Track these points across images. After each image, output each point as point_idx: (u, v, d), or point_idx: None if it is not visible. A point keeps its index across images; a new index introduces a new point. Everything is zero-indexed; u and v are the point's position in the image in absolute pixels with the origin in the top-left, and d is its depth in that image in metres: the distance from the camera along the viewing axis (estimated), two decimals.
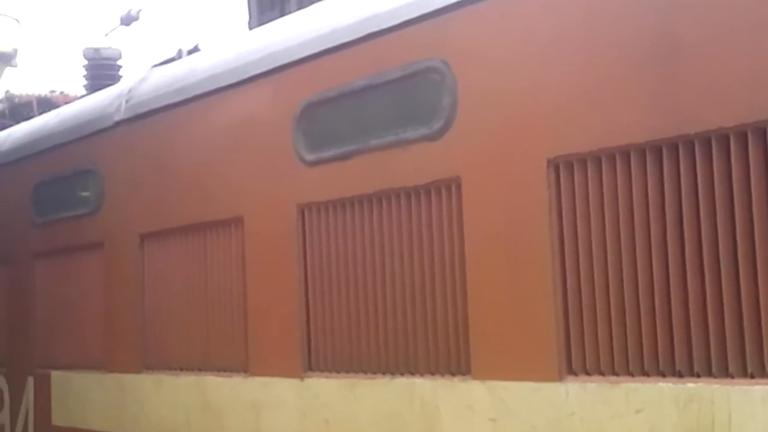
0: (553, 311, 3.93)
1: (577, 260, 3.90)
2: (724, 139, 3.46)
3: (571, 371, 3.89)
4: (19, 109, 11.72)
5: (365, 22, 4.88)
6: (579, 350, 3.88)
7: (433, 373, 4.47)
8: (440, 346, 4.45)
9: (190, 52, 6.77)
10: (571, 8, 3.96)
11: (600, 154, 3.81)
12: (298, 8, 6.35)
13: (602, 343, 3.81)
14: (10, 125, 9.54)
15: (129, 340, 6.49)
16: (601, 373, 3.81)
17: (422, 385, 4.47)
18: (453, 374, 4.37)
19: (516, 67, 4.17)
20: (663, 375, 3.62)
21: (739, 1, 3.42)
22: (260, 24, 6.61)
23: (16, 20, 13.83)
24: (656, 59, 3.63)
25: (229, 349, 5.68)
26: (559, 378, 3.90)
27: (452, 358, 4.39)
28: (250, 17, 7.06)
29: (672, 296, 3.61)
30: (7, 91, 12.70)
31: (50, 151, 7.52)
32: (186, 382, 5.94)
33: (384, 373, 4.70)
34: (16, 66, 12.89)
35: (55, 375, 7.24)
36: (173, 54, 6.88)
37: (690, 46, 3.53)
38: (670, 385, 3.55)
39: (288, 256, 5.25)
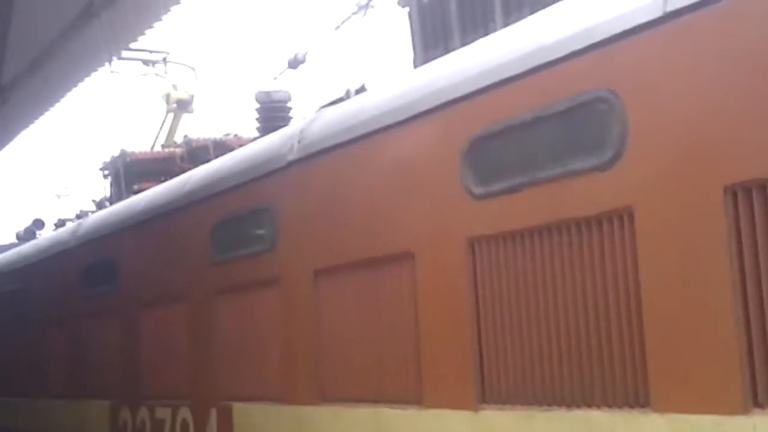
0: (736, 341, 3.83)
1: (760, 289, 3.79)
2: None
3: (758, 404, 3.78)
4: (196, 153, 12.24)
5: (530, 55, 4.91)
6: (765, 382, 3.76)
7: (610, 405, 4.41)
8: (617, 377, 4.40)
9: (357, 92, 6.95)
10: (745, 31, 3.88)
11: None
12: (462, 44, 6.42)
13: None
14: (190, 168, 9.98)
15: (306, 372, 6.66)
16: None
17: (600, 417, 4.42)
18: (631, 406, 4.31)
19: (687, 94, 4.11)
20: None
21: None
22: (425, 61, 6.71)
23: (192, 68, 14.48)
24: None
25: (403, 381, 5.76)
26: (745, 411, 3.79)
27: (630, 390, 4.33)
28: (414, 55, 7.19)
29: None
30: (185, 136, 13.30)
31: (227, 192, 7.84)
32: (362, 414, 6.05)
33: (560, 405, 4.67)
34: (192, 112, 13.47)
35: (237, 407, 7.50)
36: (341, 94, 7.08)
37: None
38: None
39: (459, 289, 5.30)
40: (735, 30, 3.92)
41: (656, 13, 4.23)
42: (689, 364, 4.05)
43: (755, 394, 3.79)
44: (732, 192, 3.88)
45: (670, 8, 4.18)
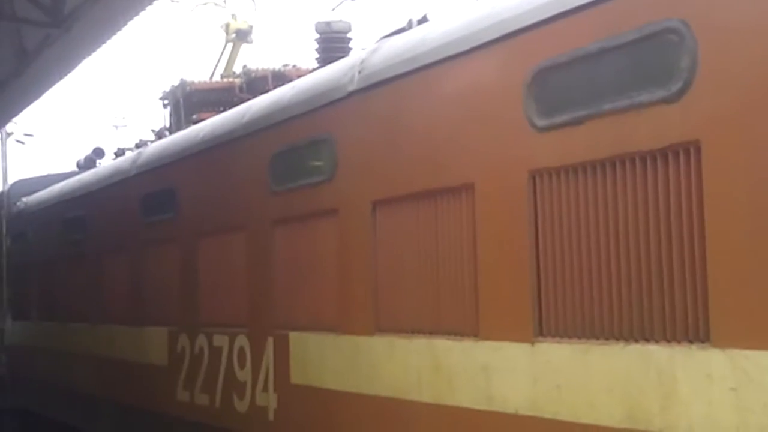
0: None
1: None
2: None
3: None
4: (255, 84, 12.27)
5: None
6: None
7: (669, 340, 4.39)
8: (677, 312, 4.36)
9: (419, 23, 6.88)
10: None
11: None
12: None
13: None
14: (248, 99, 10.00)
15: (363, 303, 6.71)
16: None
17: (658, 352, 4.40)
18: (691, 341, 4.28)
19: (760, 26, 4.00)
20: None
21: None
22: None
23: None
24: None
25: (459, 313, 5.78)
26: None
27: (690, 325, 4.30)
28: None
29: None
30: (244, 66, 13.30)
31: (286, 122, 7.85)
32: (418, 345, 6.09)
33: (618, 339, 4.65)
34: (251, 42, 13.48)
35: (294, 336, 7.59)
36: (403, 25, 7.01)
37: None
38: None
39: (519, 222, 5.28)
40: None
41: None
42: (751, 300, 4.00)
43: None
44: None
45: None
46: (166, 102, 14.66)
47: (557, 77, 5.09)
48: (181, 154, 10.02)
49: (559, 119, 5.01)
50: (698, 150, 4.24)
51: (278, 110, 8.07)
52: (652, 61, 4.54)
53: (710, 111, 4.20)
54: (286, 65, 12.68)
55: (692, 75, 4.26)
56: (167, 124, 14.65)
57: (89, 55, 12.76)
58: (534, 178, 5.19)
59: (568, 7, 5.01)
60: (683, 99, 4.30)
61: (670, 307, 4.39)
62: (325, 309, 7.23)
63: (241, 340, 8.44)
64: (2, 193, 18.77)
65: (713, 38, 4.20)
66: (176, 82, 14.24)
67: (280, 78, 11.73)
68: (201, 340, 9.30)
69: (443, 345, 5.87)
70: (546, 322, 5.12)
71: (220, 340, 8.86)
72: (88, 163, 16.26)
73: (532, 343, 5.15)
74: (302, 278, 7.59)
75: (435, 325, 6.01)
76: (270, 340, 7.93)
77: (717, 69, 4.17)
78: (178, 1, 14.93)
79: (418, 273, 6.20)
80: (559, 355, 4.97)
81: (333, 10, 13.27)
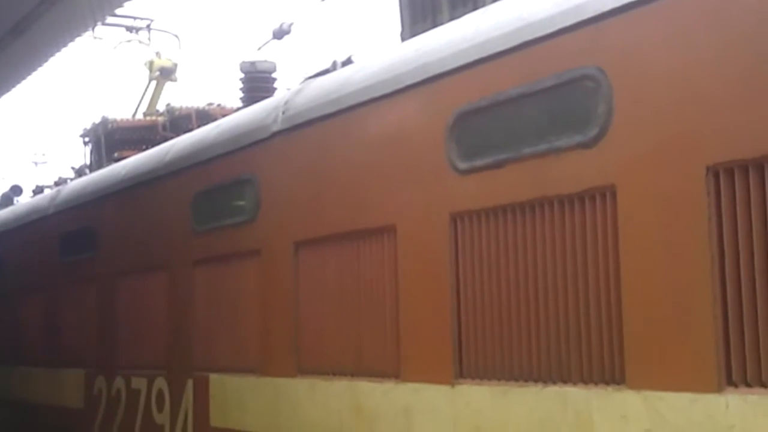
0: (712, 320, 3.86)
1: (738, 269, 3.81)
2: None
3: (731, 382, 3.81)
4: (179, 122, 12.19)
5: (519, 31, 4.90)
6: (739, 361, 3.79)
7: (586, 382, 4.44)
8: (594, 354, 4.42)
9: (344, 64, 6.92)
10: (732, 12, 3.88)
11: (762, 161, 3.72)
12: (450, 19, 6.40)
13: (764, 354, 3.71)
14: (171, 137, 9.93)
15: (284, 344, 6.66)
16: (763, 385, 3.71)
17: (576, 393, 4.45)
18: (607, 383, 4.34)
19: (673, 74, 4.12)
20: None
21: None
22: (412, 35, 6.68)
23: (176, 36, 14.38)
24: None
25: (381, 354, 5.77)
26: (719, 389, 3.82)
27: (606, 367, 4.36)
28: (402, 28, 7.15)
29: None
30: (168, 105, 13.22)
31: (210, 161, 7.81)
32: (339, 387, 6.07)
33: (536, 381, 4.69)
34: (176, 80, 13.40)
35: (214, 378, 7.50)
36: (327, 66, 7.05)
37: None
38: None
39: (440, 264, 5.31)
40: (723, 12, 3.92)
41: None
42: (665, 342, 4.07)
43: (729, 373, 3.82)
44: (714, 172, 3.90)
45: None
46: (86, 139, 14.46)
47: (478, 121, 5.16)
48: (101, 192, 9.88)
49: (480, 162, 5.08)
50: (614, 194, 4.32)
51: (202, 149, 8.02)
52: (570, 106, 4.63)
53: (625, 156, 4.30)
54: (210, 104, 12.63)
55: (608, 121, 4.36)
56: (88, 162, 14.45)
57: (8, 90, 12.54)
58: (455, 221, 5.24)
59: (490, 52, 5.09)
60: (599, 144, 4.40)
61: (587, 349, 4.45)
62: (246, 350, 7.16)
63: (160, 383, 8.31)
64: None
65: (628, 86, 4.30)
66: (98, 120, 14.08)
67: (204, 117, 11.68)
68: (119, 383, 9.13)
69: (365, 387, 5.85)
70: (466, 364, 5.15)
71: (139, 383, 8.71)
72: (5, 200, 15.93)
73: (453, 385, 5.16)
74: (224, 319, 7.52)
75: (357, 367, 5.99)
76: (189, 383, 7.82)
77: (631, 115, 4.28)
78: (101, 38, 14.76)
79: (340, 314, 6.19)
80: (478, 397, 5.00)
81: (258, 49, 13.26)
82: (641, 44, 4.27)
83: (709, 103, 3.95)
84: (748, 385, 3.76)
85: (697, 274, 3.93)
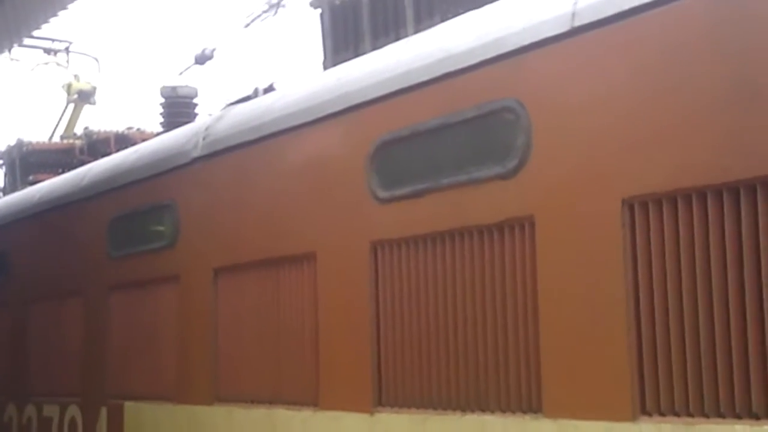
0: (627, 350, 3.93)
1: (652, 300, 3.90)
2: None
3: (645, 411, 3.88)
4: (96, 146, 12.00)
5: (440, 62, 4.96)
6: (653, 390, 3.87)
7: (504, 411, 4.48)
8: (511, 383, 4.46)
9: (265, 91, 6.91)
10: (647, 49, 3.99)
11: (676, 195, 3.82)
12: (373, 48, 6.44)
13: (677, 383, 3.79)
14: (89, 161, 9.78)
15: (201, 372, 6.58)
16: (676, 414, 3.79)
17: (493, 422, 4.48)
18: (524, 412, 4.38)
19: (591, 107, 4.21)
20: (739, 417, 3.59)
21: None
22: (335, 64, 6.72)
23: (95, 59, 14.21)
24: (734, 100, 3.64)
25: (299, 382, 5.74)
26: (633, 418, 3.88)
27: (523, 396, 4.40)
28: (324, 57, 7.18)
29: (749, 337, 3.58)
30: (86, 128, 13.02)
31: (127, 186, 7.71)
32: (257, 414, 6.01)
33: (455, 410, 4.72)
34: (94, 104, 13.23)
35: (129, 405, 7.36)
36: (249, 93, 7.03)
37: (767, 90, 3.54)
38: (746, 427, 3.52)
39: (360, 292, 5.31)
40: (639, 47, 4.03)
41: (564, 27, 4.32)
42: (581, 371, 4.14)
43: (643, 403, 3.89)
44: (630, 205, 3.98)
45: (577, 23, 4.27)
46: (0, 162, 14.15)
47: (399, 150, 5.20)
48: (15, 216, 9.67)
49: (400, 191, 5.11)
50: (532, 225, 4.39)
51: (119, 174, 7.91)
52: (489, 138, 4.70)
53: (543, 187, 4.37)
54: (129, 128, 12.47)
55: (527, 153, 4.43)
56: (1, 185, 14.13)
57: None
58: (376, 249, 5.26)
59: (411, 82, 5.14)
60: (518, 175, 4.46)
61: (505, 378, 4.49)
62: (163, 378, 7.05)
63: (73, 411, 8.13)
64: None
65: (546, 118, 4.38)
66: (13, 142, 13.79)
67: (122, 141, 11.53)
68: (30, 411, 8.90)
69: (283, 415, 5.81)
70: (385, 392, 5.15)
71: (51, 411, 8.51)
72: None
73: (371, 413, 5.16)
74: (140, 346, 7.40)
75: (275, 395, 5.95)
76: (103, 411, 7.67)
77: (550, 148, 4.36)
78: (18, 60, 14.50)
79: (259, 342, 6.15)
80: (397, 425, 5.00)
81: (180, 74, 13.18)
82: (560, 78, 4.36)
83: (625, 138, 4.04)
84: (662, 414, 3.84)
85: (613, 305, 4.01)
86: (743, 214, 3.61)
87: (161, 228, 7.24)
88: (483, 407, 4.58)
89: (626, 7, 4.07)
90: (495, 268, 4.58)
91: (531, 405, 4.36)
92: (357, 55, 6.45)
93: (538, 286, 4.34)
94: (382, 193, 5.22)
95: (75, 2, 8.98)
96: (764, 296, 3.55)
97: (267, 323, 6.08)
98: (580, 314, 4.15)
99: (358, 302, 5.33)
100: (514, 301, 4.47)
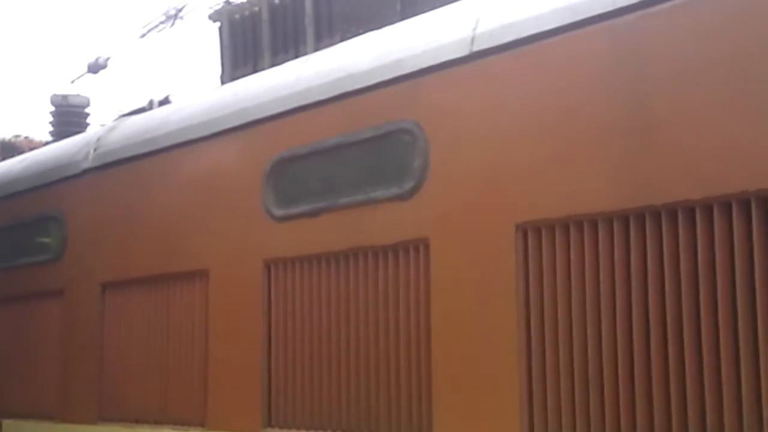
0: (517, 374, 3.96)
1: (542, 324, 3.94)
2: (690, 211, 3.53)
3: None
4: None
5: (340, 81, 4.95)
6: (541, 415, 3.90)
7: None
8: (402, 405, 4.45)
9: (161, 103, 6.80)
10: (544, 76, 4.05)
11: (568, 221, 3.87)
12: (272, 65, 6.41)
13: (564, 408, 3.83)
14: None
15: (85, 390, 6.41)
16: None
17: None
18: None
19: (487, 132, 4.25)
20: None
21: (709, 79, 3.52)
22: (233, 78, 6.66)
23: None
24: (626, 130, 3.72)
25: (187, 402, 5.63)
26: None
27: (414, 419, 4.39)
28: (222, 71, 7.11)
29: (635, 364, 3.65)
30: None
31: (12, 196, 7.47)
32: None
33: (345, 431, 4.68)
34: None
35: (7, 424, 7.11)
36: (144, 104, 6.90)
37: (660, 120, 3.63)
38: None
39: (252, 311, 5.24)
40: (534, 73, 4.09)
41: (463, 52, 4.36)
42: (472, 395, 4.15)
43: (531, 427, 3.92)
44: (523, 230, 4.03)
45: (476, 48, 4.31)
46: None
47: (296, 168, 5.16)
48: None
49: (296, 210, 5.07)
50: (427, 247, 4.40)
51: (5, 183, 7.67)
52: (387, 159, 4.70)
53: (439, 210, 4.38)
54: (17, 136, 12.09)
55: (424, 175, 4.44)
56: None
57: None
58: (269, 268, 5.20)
59: (310, 100, 5.11)
60: (415, 197, 4.47)
61: (396, 400, 4.48)
62: (45, 395, 6.84)
63: None
64: None
65: (443, 141, 4.41)
66: None
67: (9, 149, 11.16)
68: None
69: None
70: (275, 413, 5.09)
71: None
72: None
73: None
74: (21, 362, 7.17)
75: (161, 414, 5.81)
76: None
77: (446, 170, 4.38)
78: None
79: (147, 359, 6.01)
80: None
81: (72, 82, 12.84)
82: (458, 102, 4.39)
83: (520, 163, 4.09)
84: None
85: (504, 329, 4.03)
86: (632, 242, 3.68)
87: (47, 240, 7.04)
88: (373, 429, 4.55)
89: (525, 34, 4.13)
90: (389, 290, 4.57)
91: (421, 427, 4.35)
92: (255, 71, 6.40)
93: (431, 309, 4.35)
94: (278, 211, 5.16)
95: None
96: (650, 322, 3.62)
97: (156, 341, 5.95)
98: (471, 338, 4.17)
99: (249, 321, 5.26)
100: (408, 323, 4.47)
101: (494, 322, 4.10)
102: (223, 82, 7.00)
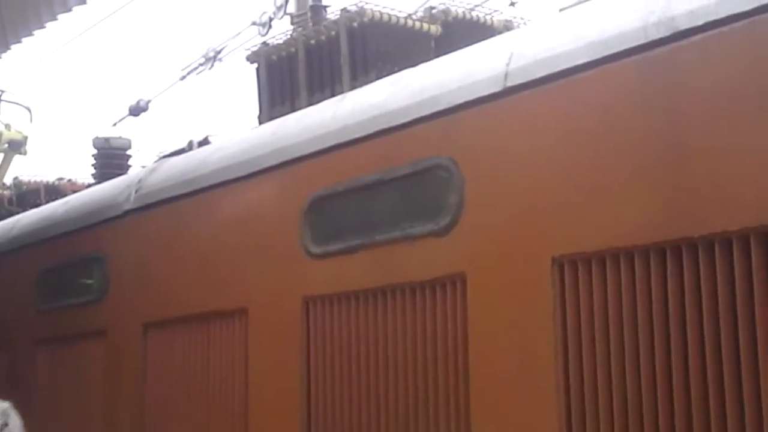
0: (557, 410, 3.93)
1: (581, 359, 3.91)
2: (727, 242, 3.51)
3: None
4: (26, 196, 11.79)
5: (376, 119, 4.99)
6: None
7: None
8: None
9: (200, 144, 6.88)
10: (579, 110, 4.05)
11: (605, 255, 3.86)
12: (309, 104, 6.47)
13: None
14: (18, 212, 9.61)
15: (129, 430, 6.45)
16: None
17: None
18: None
19: (522, 167, 4.25)
20: None
21: (742, 111, 3.51)
22: (271, 118, 6.73)
23: (27, 108, 14.00)
24: (662, 163, 3.71)
25: None
26: None
27: None
28: (260, 111, 7.19)
29: (674, 400, 3.61)
30: (16, 178, 12.79)
31: (57, 238, 7.59)
32: None
33: None
34: (25, 154, 13.00)
35: None
36: (183, 145, 6.99)
37: (695, 152, 3.62)
38: None
39: (292, 348, 5.26)
40: (570, 108, 4.10)
41: (497, 87, 4.38)
42: (512, 430, 4.13)
43: None
44: (560, 264, 4.02)
45: (510, 83, 4.33)
46: None
47: (333, 206, 5.19)
48: None
49: (333, 247, 5.09)
50: (464, 283, 4.40)
51: (49, 225, 7.79)
52: (423, 195, 4.71)
53: (475, 245, 4.39)
54: (60, 179, 12.29)
55: (459, 211, 4.45)
56: None
57: None
58: (308, 305, 5.22)
59: (346, 138, 5.15)
60: (451, 233, 4.48)
61: None
62: None
63: None
64: None
65: (479, 177, 4.42)
66: None
67: (53, 192, 11.34)
68: None
69: None
70: None
71: None
72: None
73: None
74: (67, 402, 7.23)
75: None
76: None
77: (482, 206, 4.39)
78: None
79: (188, 398, 6.05)
80: None
81: (114, 125, 13.05)
82: (492, 137, 4.41)
83: (555, 197, 4.09)
84: None
85: (543, 364, 4.01)
86: (669, 274, 3.66)
87: (90, 281, 7.12)
88: None
89: (558, 68, 4.14)
90: (427, 326, 4.57)
91: None
92: (293, 110, 6.46)
93: (469, 344, 4.34)
94: (315, 249, 5.20)
95: (8, 51, 8.89)
96: (690, 357, 3.59)
97: (197, 380, 5.98)
98: (510, 373, 4.15)
99: (289, 358, 5.28)
100: (446, 358, 4.46)
101: (532, 357, 4.08)
102: (261, 122, 7.07)
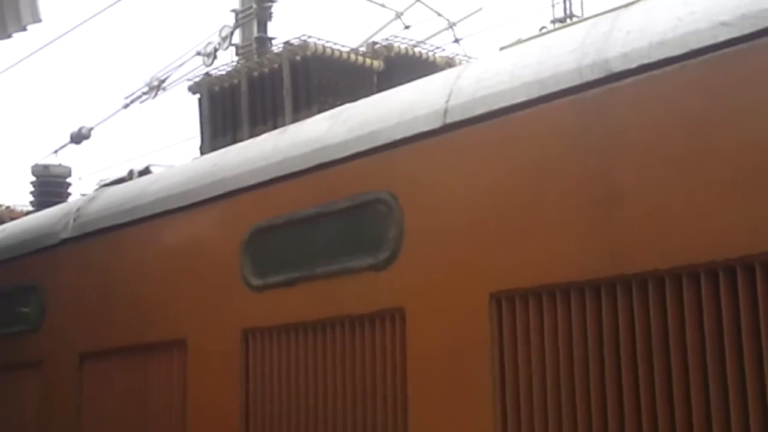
0: None
1: (517, 393, 3.96)
2: (659, 280, 3.59)
3: None
4: None
5: (316, 152, 5.02)
6: None
7: None
8: None
9: (141, 173, 6.85)
10: (516, 148, 4.12)
11: (541, 291, 3.92)
12: (251, 135, 6.48)
13: None
14: None
15: None
16: None
17: None
18: None
19: (461, 203, 4.30)
20: None
21: (674, 152, 3.60)
22: (212, 149, 6.73)
23: None
24: (597, 202, 3.78)
25: None
26: None
27: None
28: (202, 141, 7.20)
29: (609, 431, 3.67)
30: None
31: None
32: None
33: None
34: None
35: None
36: (124, 174, 6.95)
37: (630, 191, 3.70)
38: None
39: (231, 381, 5.24)
40: (507, 145, 4.16)
41: (436, 124, 4.44)
42: None
43: None
44: (497, 299, 4.07)
45: (449, 120, 4.39)
46: None
47: (273, 238, 5.20)
48: None
49: (273, 280, 5.10)
50: (403, 317, 4.43)
51: None
52: (363, 229, 4.74)
53: (414, 280, 4.42)
54: None
55: (399, 245, 4.49)
56: None
57: None
58: (247, 337, 5.21)
59: (287, 171, 5.17)
60: (390, 267, 4.51)
61: None
62: None
63: None
64: None
65: (418, 212, 4.46)
66: None
67: None
68: None
69: None
70: None
71: None
72: None
73: None
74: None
75: None
76: None
77: (421, 241, 4.43)
78: None
79: (124, 429, 5.98)
80: None
81: (55, 152, 12.93)
82: (432, 173, 4.45)
83: (493, 233, 4.14)
84: None
85: (479, 398, 4.05)
86: (603, 311, 3.73)
87: (26, 310, 7.02)
88: None
89: (496, 106, 4.21)
90: (366, 359, 4.59)
91: None
92: (234, 141, 6.47)
93: (408, 378, 4.36)
94: (255, 281, 5.19)
95: None
96: (623, 391, 3.65)
97: (134, 412, 5.92)
98: (447, 406, 4.18)
99: (228, 390, 5.26)
100: (384, 392, 4.48)
101: (470, 391, 4.11)
102: (203, 152, 7.07)
